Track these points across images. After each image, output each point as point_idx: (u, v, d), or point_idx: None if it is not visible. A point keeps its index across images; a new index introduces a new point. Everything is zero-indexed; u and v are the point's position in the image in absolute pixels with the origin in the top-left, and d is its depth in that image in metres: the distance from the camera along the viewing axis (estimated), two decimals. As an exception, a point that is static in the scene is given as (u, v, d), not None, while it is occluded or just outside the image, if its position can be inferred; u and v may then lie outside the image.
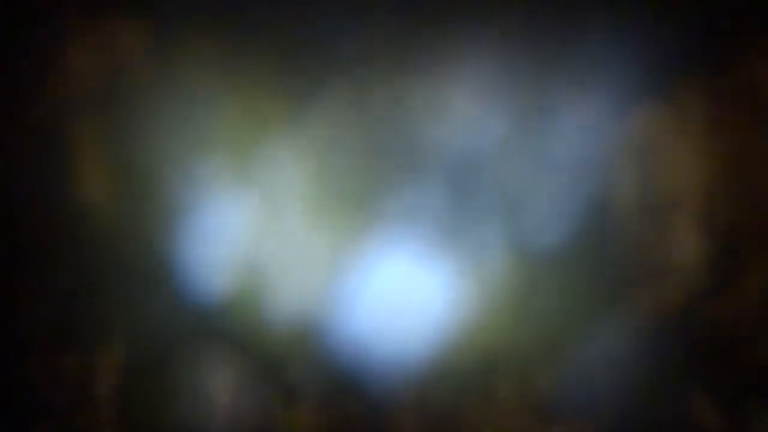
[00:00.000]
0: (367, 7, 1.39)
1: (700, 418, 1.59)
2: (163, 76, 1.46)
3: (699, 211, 1.61)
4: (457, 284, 1.34)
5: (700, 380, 1.60)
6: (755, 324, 1.59)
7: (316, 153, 1.35)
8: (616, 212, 1.60)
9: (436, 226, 1.35)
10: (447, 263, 1.34)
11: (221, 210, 1.38)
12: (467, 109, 1.38)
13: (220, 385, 1.44)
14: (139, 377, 1.60)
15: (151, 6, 1.47)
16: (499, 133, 1.37)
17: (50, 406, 1.61)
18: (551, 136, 1.42)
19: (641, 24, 1.58)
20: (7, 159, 1.63)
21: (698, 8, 1.58)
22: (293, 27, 1.37)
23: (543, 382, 1.58)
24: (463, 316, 1.37)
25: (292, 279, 1.37)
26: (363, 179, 1.36)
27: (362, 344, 1.36)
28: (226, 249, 1.40)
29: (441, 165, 1.35)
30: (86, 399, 1.61)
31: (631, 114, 1.59)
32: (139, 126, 1.47)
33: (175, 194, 1.42)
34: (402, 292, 1.32)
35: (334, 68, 1.36)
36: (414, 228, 1.34)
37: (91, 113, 1.55)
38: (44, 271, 1.62)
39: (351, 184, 1.36)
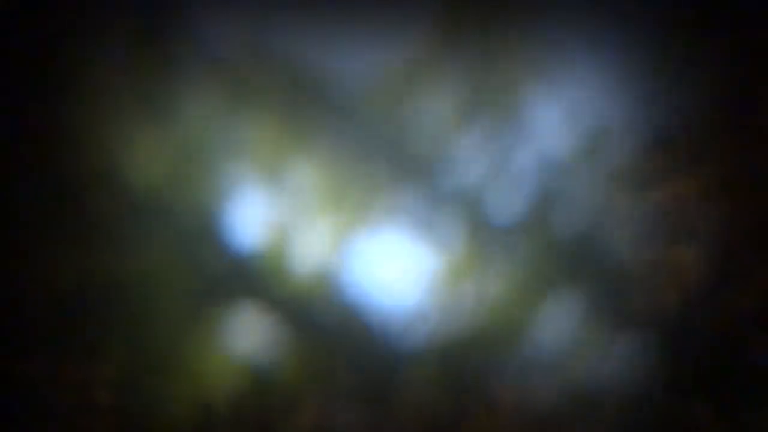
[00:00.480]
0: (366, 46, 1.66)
1: (698, 420, 1.59)
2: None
3: (695, 211, 1.61)
4: (430, 254, 1.68)
5: (699, 383, 1.59)
6: (753, 326, 1.59)
7: (326, 158, 1.67)
8: (614, 216, 1.61)
9: (415, 214, 1.67)
10: (423, 240, 1.68)
11: (252, 199, 1.68)
12: (445, 123, 1.66)
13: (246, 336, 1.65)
14: (139, 380, 1.60)
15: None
16: (471, 140, 1.66)
17: (51, 407, 1.62)
18: (526, 135, 1.64)
19: (626, 26, 1.60)
20: (8, 159, 1.65)
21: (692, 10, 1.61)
22: (305, 60, 1.66)
23: (540, 388, 1.58)
24: (433, 277, 1.69)
25: (308, 247, 1.67)
26: (361, 179, 1.66)
27: (361, 291, 1.69)
28: (256, 226, 1.68)
29: (420, 170, 1.66)
30: (87, 400, 1.62)
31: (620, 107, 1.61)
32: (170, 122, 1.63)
33: (213, 184, 1.66)
34: (389, 261, 1.68)
35: (340, 99, 1.66)
36: (398, 215, 1.67)
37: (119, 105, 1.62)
38: (45, 272, 1.63)
39: (352, 183, 1.67)
